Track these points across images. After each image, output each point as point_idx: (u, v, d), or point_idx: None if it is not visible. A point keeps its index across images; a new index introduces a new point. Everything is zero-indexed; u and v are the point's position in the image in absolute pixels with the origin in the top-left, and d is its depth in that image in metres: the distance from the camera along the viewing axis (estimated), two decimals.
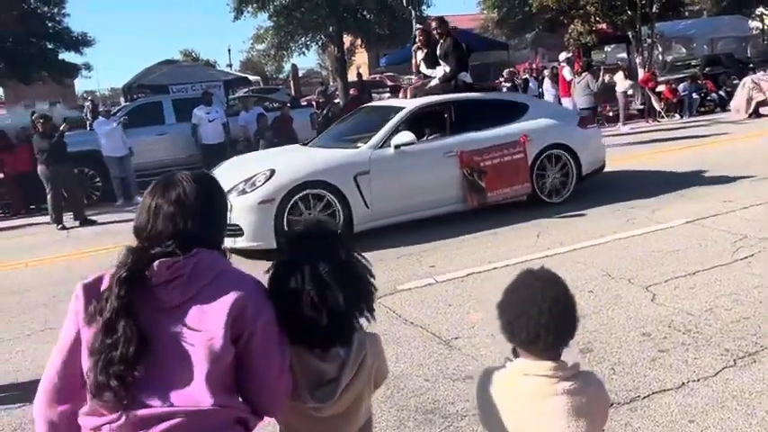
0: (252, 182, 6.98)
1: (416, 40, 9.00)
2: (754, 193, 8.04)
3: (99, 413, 1.54)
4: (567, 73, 14.96)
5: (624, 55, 26.06)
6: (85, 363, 1.56)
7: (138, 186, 11.82)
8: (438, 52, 8.63)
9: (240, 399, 1.65)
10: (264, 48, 22.26)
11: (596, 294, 5.09)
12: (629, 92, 17.82)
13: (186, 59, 42.93)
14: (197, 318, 1.55)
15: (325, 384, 1.74)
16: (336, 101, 20.35)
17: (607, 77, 17.10)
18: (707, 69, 22.10)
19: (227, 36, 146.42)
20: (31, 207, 12.58)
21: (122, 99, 26.61)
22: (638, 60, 20.91)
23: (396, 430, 3.45)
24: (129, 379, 1.49)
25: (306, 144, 8.91)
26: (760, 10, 31.47)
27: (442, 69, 8.58)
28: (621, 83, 17.29)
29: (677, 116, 18.76)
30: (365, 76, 28.27)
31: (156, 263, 1.55)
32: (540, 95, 17.54)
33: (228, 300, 1.57)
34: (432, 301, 5.33)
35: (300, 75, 30.67)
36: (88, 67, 25.01)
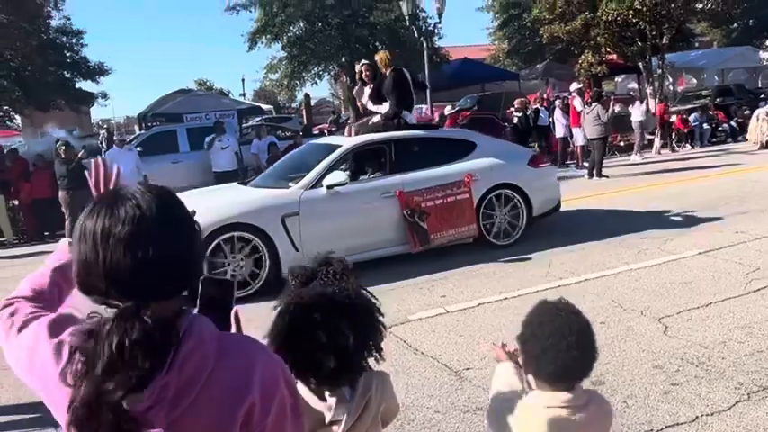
0: None
1: (362, 75, 8.55)
2: (766, 224, 8.01)
3: None
4: (577, 104, 15.05)
5: (635, 85, 26.18)
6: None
7: None
8: (383, 88, 8.27)
9: None
10: (278, 77, 22.52)
11: (608, 326, 5.07)
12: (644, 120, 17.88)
13: (201, 89, 43.48)
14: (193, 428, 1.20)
15: (326, 426, 1.69)
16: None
17: (618, 107, 17.17)
18: (718, 100, 22.15)
19: (241, 66, 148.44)
20: (45, 234, 12.70)
21: (137, 127, 26.99)
22: (648, 91, 20.98)
23: None
24: None
25: (245, 183, 8.50)
26: None
27: (387, 106, 8.22)
28: (637, 112, 17.34)
29: (688, 146, 18.77)
30: None
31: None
32: (552, 125, 17.64)
33: (233, 405, 1.21)
34: (443, 331, 5.32)
35: (313, 104, 30.99)
36: (104, 95, 25.43)
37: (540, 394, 1.80)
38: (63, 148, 11.25)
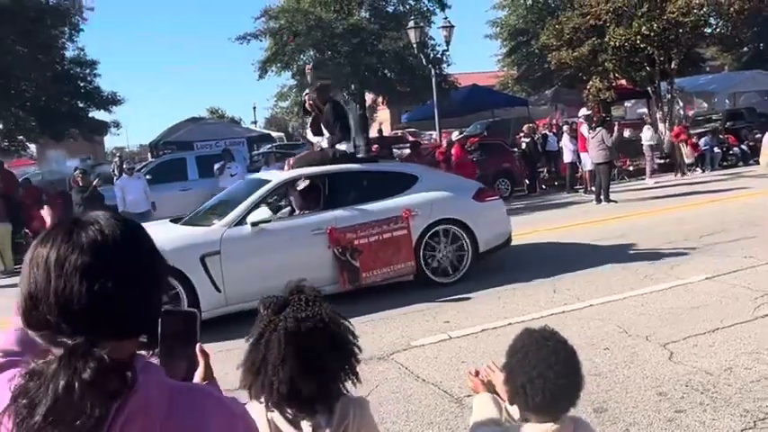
0: None
1: (305, 105, 8.26)
2: None
3: None
4: (584, 130, 15.08)
5: (645, 110, 26.18)
6: None
7: None
8: (321, 120, 8.06)
9: None
10: (288, 105, 22.76)
11: (612, 352, 5.00)
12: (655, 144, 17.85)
13: (212, 116, 43.98)
14: None
15: None
16: (358, 156, 20.64)
17: (627, 132, 17.17)
18: (728, 124, 22.06)
19: (252, 93, 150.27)
20: None
21: (149, 155, 27.27)
22: (658, 116, 20.97)
23: None
24: None
25: (177, 220, 7.98)
26: None
27: (325, 138, 8.00)
28: (647, 136, 17.32)
29: (699, 170, 18.68)
30: (387, 132, 28.71)
31: None
32: (559, 151, 17.65)
33: None
34: (445, 357, 5.27)
35: None
36: (117, 124, 25.74)
37: (527, 427, 1.78)
38: (80, 175, 11.49)
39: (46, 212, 11.08)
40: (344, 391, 1.75)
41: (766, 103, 28.90)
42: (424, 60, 18.93)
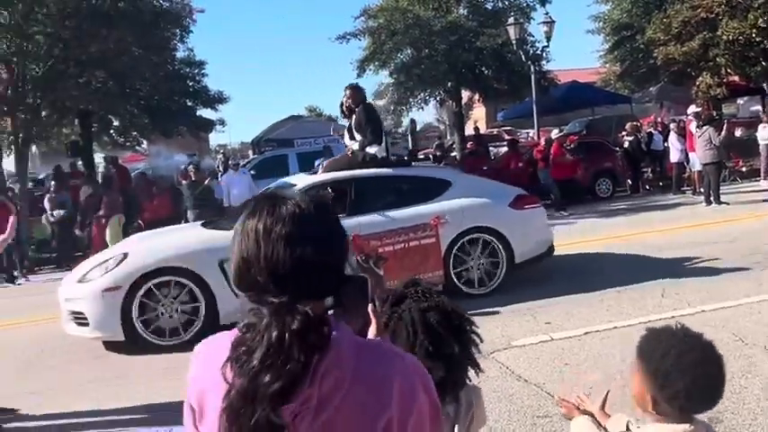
0: (104, 266, 6.54)
1: (342, 108, 8.01)
2: None
3: None
4: (693, 128, 14.37)
5: (759, 108, 24.65)
6: None
7: None
8: (353, 123, 7.82)
9: None
10: (384, 103, 22.95)
11: (728, 361, 4.73)
12: None
13: (311, 115, 45.02)
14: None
15: None
16: (453, 154, 20.56)
17: (739, 131, 16.21)
18: None
19: None
20: None
21: (251, 152, 28.26)
22: None
23: None
24: None
25: (209, 223, 7.99)
26: None
27: (356, 141, 7.74)
28: (763, 135, 16.29)
29: None
30: (483, 130, 28.42)
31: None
32: (665, 150, 16.92)
33: (372, 420, 1.22)
34: (547, 358, 5.20)
35: (418, 129, 31.33)
36: (222, 122, 26.86)
37: (658, 427, 1.74)
38: (194, 170, 12.09)
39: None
40: (468, 380, 1.78)
41: None
42: (522, 57, 18.61)
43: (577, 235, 10.86)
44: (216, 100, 23.81)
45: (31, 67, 15.73)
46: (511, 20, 18.21)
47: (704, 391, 1.66)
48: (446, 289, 7.18)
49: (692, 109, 15.78)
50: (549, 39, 18.91)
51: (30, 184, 18.07)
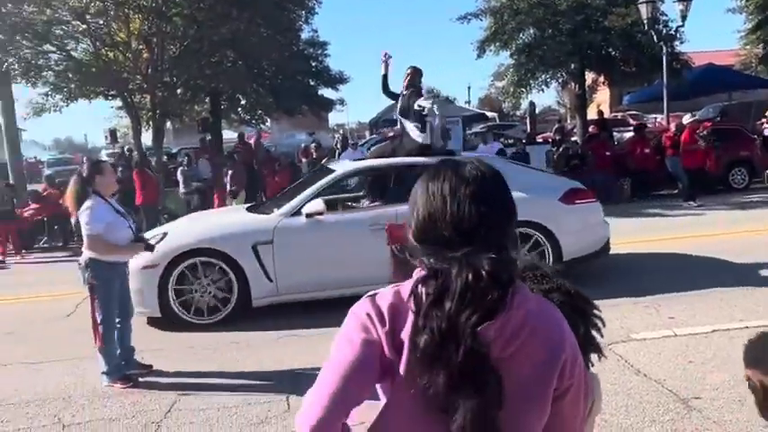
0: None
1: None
2: None
3: None
4: None
5: None
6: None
7: None
8: (398, 107, 7.66)
9: None
10: (504, 85, 22.53)
11: None
12: None
13: (428, 96, 44.94)
14: (516, 372, 1.31)
15: None
16: (573, 138, 19.91)
17: None
18: None
19: (466, 74, 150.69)
20: None
21: (368, 133, 28.70)
22: None
23: None
24: None
25: (255, 207, 8.00)
26: None
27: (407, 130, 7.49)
28: None
29: None
30: (606, 115, 27.32)
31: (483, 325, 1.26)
32: None
33: (555, 354, 1.34)
34: (669, 354, 4.98)
35: (537, 112, 30.56)
36: (342, 102, 27.50)
37: None
38: (316, 148, 12.44)
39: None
40: (591, 365, 1.76)
41: None
42: (654, 37, 17.63)
43: (708, 227, 10.26)
44: (337, 80, 24.36)
45: (168, 47, 16.74)
46: None
47: None
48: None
49: None
50: (684, 18, 17.79)
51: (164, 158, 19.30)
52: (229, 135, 26.86)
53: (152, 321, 6.64)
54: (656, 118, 24.86)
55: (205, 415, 4.46)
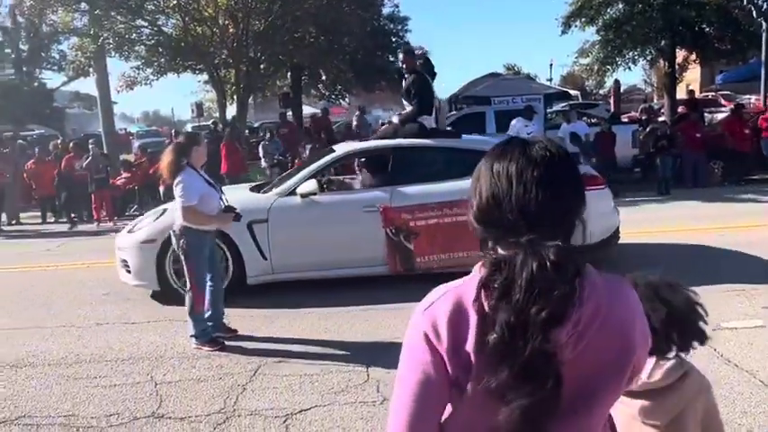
0: (148, 220, 6.94)
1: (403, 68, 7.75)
2: None
3: None
4: None
5: None
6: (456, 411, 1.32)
7: None
8: (402, 89, 7.57)
9: None
10: (588, 62, 21.84)
11: None
12: None
13: (509, 73, 44.12)
14: (586, 362, 1.26)
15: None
16: (661, 119, 19.14)
17: None
18: None
19: (548, 50, 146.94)
20: None
21: (447, 108, 28.46)
22: None
23: None
24: None
25: (260, 187, 7.80)
26: None
27: (404, 109, 7.47)
28: None
29: None
30: (696, 94, 26.10)
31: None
32: None
33: (629, 339, 1.29)
34: (762, 345, 4.79)
35: (622, 90, 29.51)
36: None
37: None
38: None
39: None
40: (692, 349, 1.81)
41: None
42: (753, 12, 16.68)
43: None
44: (416, 56, 24.24)
45: (253, 22, 17.07)
46: None
47: None
48: None
49: None
50: None
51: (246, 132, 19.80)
52: (308, 110, 27.25)
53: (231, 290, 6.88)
54: (750, 99, 23.56)
55: (287, 381, 4.61)
